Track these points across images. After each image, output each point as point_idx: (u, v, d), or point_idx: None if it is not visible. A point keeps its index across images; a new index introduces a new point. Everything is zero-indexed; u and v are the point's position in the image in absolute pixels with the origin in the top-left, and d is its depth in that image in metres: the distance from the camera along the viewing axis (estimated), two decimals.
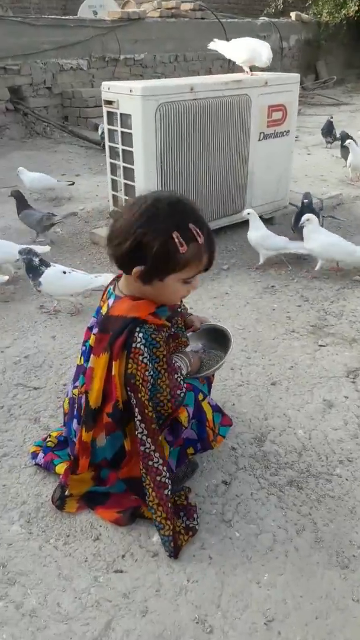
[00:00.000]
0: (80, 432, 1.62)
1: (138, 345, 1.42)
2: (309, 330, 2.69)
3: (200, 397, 1.67)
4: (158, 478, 1.50)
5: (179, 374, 1.54)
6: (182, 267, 1.41)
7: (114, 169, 3.60)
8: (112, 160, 3.57)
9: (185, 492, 1.70)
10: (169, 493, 1.52)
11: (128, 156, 3.38)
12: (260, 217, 4.04)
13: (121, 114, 3.33)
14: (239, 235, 3.83)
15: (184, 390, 1.55)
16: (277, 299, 3.00)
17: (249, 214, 3.35)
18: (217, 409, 1.74)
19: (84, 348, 1.67)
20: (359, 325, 2.71)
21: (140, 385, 1.44)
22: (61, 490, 1.70)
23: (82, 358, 1.66)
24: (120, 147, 3.41)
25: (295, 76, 3.93)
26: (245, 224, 3.47)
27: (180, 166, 3.39)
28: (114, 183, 3.64)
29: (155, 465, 1.50)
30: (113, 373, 1.47)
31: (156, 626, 1.36)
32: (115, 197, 3.67)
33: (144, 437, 1.49)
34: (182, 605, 1.41)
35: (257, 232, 3.34)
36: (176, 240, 1.36)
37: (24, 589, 1.44)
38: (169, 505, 1.52)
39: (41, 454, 1.85)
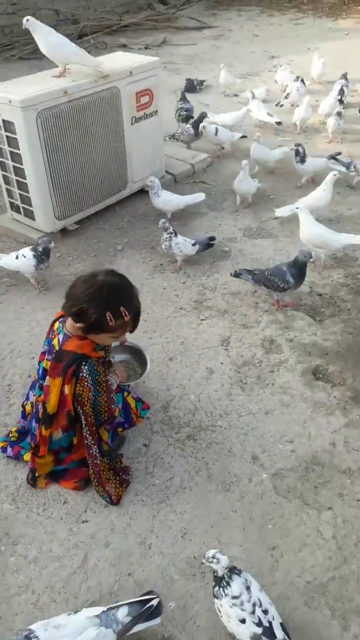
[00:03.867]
0: (39, 429, 2.30)
1: (84, 374, 2.11)
2: (193, 306, 3.43)
3: (125, 394, 2.42)
4: (96, 461, 2.26)
5: (113, 393, 2.26)
6: (111, 332, 2.11)
7: (4, 166, 3.95)
8: (2, 159, 3.92)
9: (119, 458, 2.48)
10: (100, 470, 2.28)
11: (17, 157, 3.75)
12: (142, 189, 4.61)
13: (4, 120, 3.66)
14: (126, 211, 4.42)
15: (116, 405, 2.28)
16: (166, 278, 3.69)
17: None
18: (138, 399, 2.50)
19: (38, 367, 2.31)
20: (228, 297, 3.49)
21: (85, 401, 2.14)
22: (31, 472, 2.40)
23: (37, 375, 2.32)
24: (7, 148, 3.76)
25: (156, 60, 4.36)
26: (128, 198, 4.32)
27: (66, 161, 3.84)
28: (6, 179, 4.00)
29: (94, 453, 2.25)
30: (66, 393, 2.16)
31: (115, 552, 2.17)
32: (9, 191, 4.05)
33: (87, 435, 2.22)
34: (129, 535, 2.22)
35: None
36: (107, 317, 2.03)
37: (24, 545, 2.18)
38: (100, 477, 2.28)
39: (9, 448, 2.51)
